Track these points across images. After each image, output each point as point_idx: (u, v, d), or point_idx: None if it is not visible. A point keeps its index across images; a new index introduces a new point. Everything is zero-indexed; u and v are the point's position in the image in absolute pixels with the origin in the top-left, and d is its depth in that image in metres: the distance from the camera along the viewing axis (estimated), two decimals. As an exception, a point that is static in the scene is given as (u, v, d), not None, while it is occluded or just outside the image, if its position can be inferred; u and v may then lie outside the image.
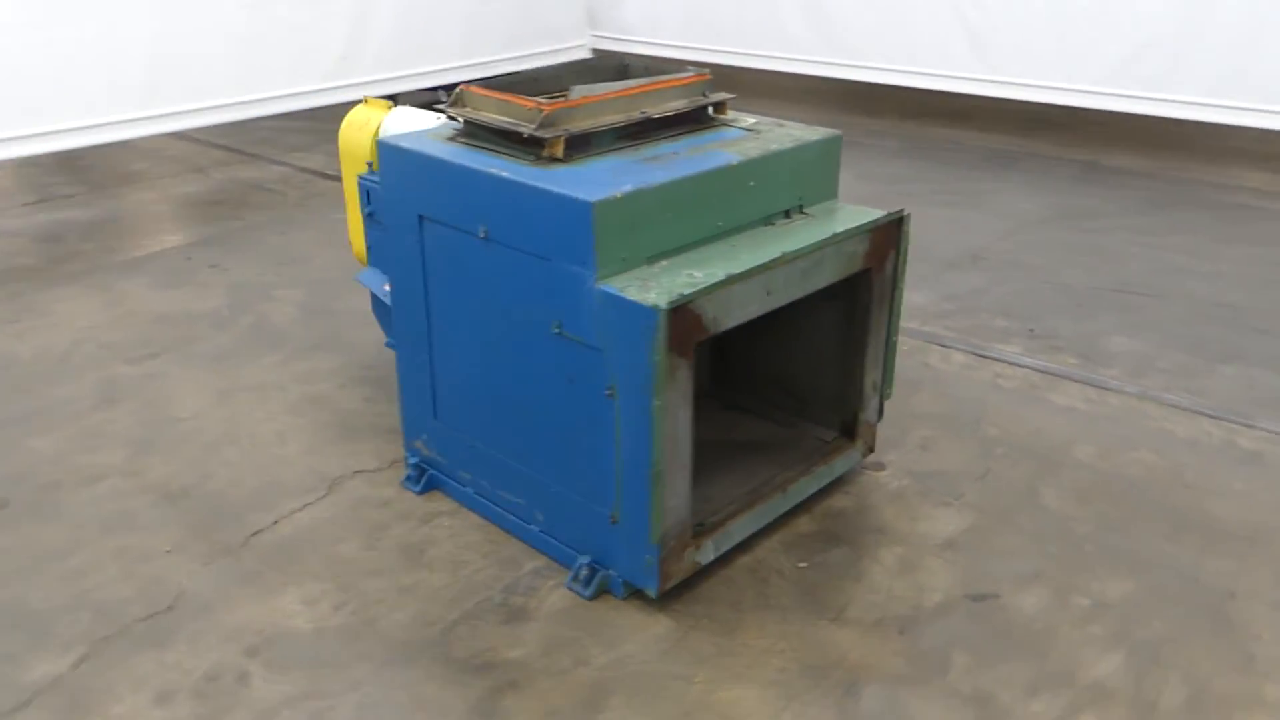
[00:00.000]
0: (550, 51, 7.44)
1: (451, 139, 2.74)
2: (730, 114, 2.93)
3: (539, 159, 2.54)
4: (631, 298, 2.28)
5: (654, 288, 2.32)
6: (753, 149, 2.67)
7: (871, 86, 7.06)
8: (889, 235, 2.79)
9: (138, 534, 2.87)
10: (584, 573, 2.63)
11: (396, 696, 2.31)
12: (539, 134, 2.51)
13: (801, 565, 2.72)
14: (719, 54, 7.61)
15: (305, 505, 2.98)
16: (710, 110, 2.89)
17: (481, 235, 2.56)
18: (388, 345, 3.52)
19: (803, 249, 2.53)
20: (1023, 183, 5.57)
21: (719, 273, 2.39)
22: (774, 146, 2.70)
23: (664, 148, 2.69)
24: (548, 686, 2.34)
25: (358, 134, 3.41)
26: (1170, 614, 2.53)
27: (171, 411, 3.50)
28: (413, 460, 3.06)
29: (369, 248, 3.40)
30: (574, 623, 2.53)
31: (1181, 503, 2.95)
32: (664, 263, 2.46)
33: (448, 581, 2.67)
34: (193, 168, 6.22)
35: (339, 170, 3.43)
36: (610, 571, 2.61)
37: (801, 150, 2.75)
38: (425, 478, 3.03)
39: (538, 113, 2.54)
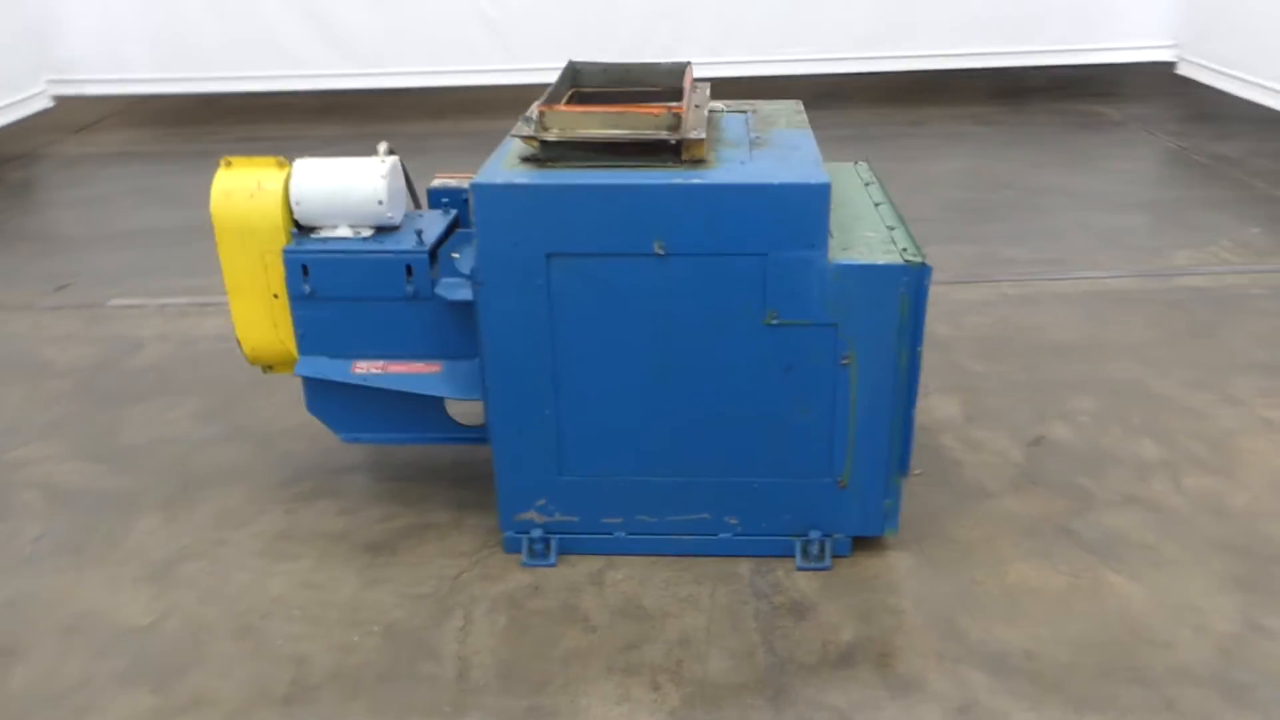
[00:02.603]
0: (11, 104, 6.04)
1: (542, 165, 2.48)
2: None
3: (681, 163, 2.47)
4: (884, 263, 2.42)
5: (872, 252, 2.47)
6: (792, 122, 2.88)
7: (395, 93, 7.08)
8: (865, 181, 3.21)
9: (324, 751, 2.17)
10: (814, 549, 2.69)
11: (825, 714, 2.23)
12: (688, 137, 2.45)
13: (918, 473, 3.07)
14: (204, 82, 6.91)
15: (462, 628, 2.49)
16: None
17: (658, 252, 2.42)
18: (347, 439, 2.97)
19: (888, 197, 2.85)
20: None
21: (884, 227, 2.62)
22: (798, 117, 2.94)
23: (730, 134, 2.76)
24: (904, 643, 2.43)
25: (251, 203, 2.75)
26: (1132, 409, 3.39)
27: (118, 623, 2.54)
28: (532, 534, 2.71)
29: (304, 334, 2.82)
30: (846, 592, 2.60)
31: (1038, 340, 3.89)
32: (824, 233, 2.60)
33: (704, 619, 2.52)
34: None
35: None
36: (835, 536, 2.70)
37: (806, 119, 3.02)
38: (553, 545, 2.72)
39: (672, 118, 2.46)
